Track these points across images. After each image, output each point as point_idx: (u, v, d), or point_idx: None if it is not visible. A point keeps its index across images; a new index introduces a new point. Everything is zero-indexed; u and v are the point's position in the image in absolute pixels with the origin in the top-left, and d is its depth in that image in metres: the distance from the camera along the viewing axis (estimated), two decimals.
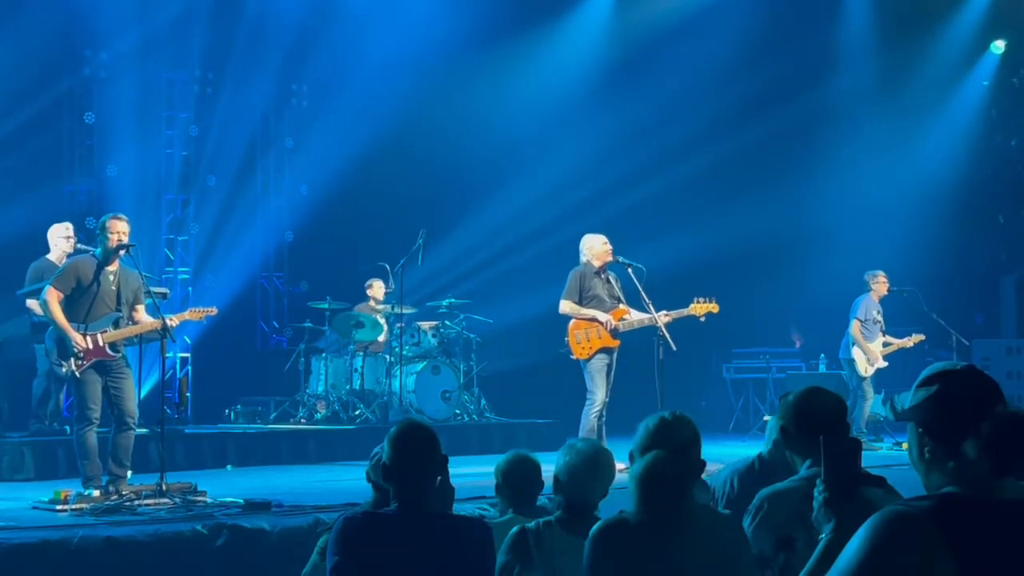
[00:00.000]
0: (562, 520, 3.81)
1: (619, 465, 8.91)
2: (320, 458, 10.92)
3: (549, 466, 4.10)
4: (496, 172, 14.47)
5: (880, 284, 11.87)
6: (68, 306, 7.52)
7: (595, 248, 9.43)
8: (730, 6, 14.61)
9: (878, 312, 11.82)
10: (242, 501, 7.19)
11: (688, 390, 13.71)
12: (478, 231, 14.36)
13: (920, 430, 2.30)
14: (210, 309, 8.25)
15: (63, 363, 7.55)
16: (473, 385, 12.65)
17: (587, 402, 9.23)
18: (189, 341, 13.14)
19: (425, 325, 12.50)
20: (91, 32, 12.52)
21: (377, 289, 12.58)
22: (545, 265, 12.35)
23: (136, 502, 7.06)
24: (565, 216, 13.41)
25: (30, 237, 10.27)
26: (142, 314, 7.83)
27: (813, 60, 15.33)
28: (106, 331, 7.54)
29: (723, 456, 7.74)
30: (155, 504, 7.06)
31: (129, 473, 7.59)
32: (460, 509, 5.13)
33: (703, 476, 3.84)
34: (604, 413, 9.22)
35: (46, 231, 9.89)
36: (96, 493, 7.24)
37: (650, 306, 9.17)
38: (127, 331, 7.64)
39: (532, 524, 3.81)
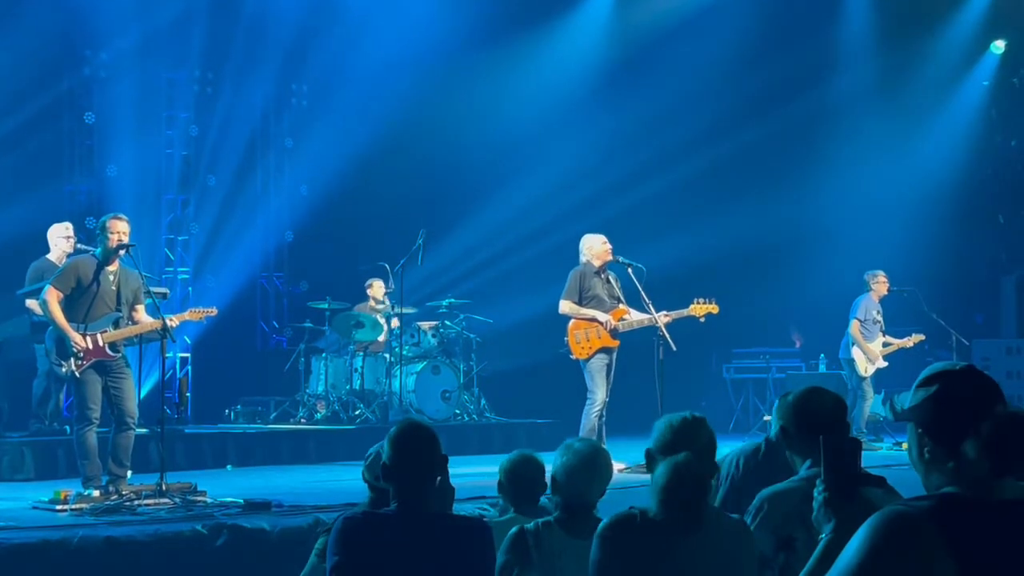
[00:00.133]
0: (561, 520, 3.80)
1: (619, 465, 8.87)
2: (320, 458, 10.92)
3: (549, 466, 4.10)
4: (496, 172, 14.47)
5: (880, 284, 11.87)
6: (68, 306, 7.52)
7: (595, 248, 9.43)
8: (730, 6, 14.61)
9: (878, 312, 11.82)
10: (242, 501, 7.18)
11: (688, 390, 13.70)
12: (478, 231, 14.36)
13: (920, 430, 2.30)
14: (210, 310, 8.25)
15: (63, 363, 7.55)
16: (473, 385, 12.66)
17: (587, 402, 9.24)
18: (189, 341, 13.14)
19: (425, 325, 12.50)
20: (91, 32, 12.52)
21: (377, 289, 12.58)
22: (545, 265, 12.35)
23: (136, 502, 7.06)
24: (565, 216, 13.40)
25: (30, 237, 10.27)
26: (142, 314, 7.83)
27: (813, 60, 15.33)
28: (106, 331, 7.54)
29: (723, 456, 7.72)
30: (155, 504, 7.06)
31: (129, 473, 7.59)
32: (460, 509, 5.13)
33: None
34: (604, 413, 9.23)
35: (46, 231, 9.89)
36: (96, 493, 7.25)
37: (650, 306, 9.18)
38: (127, 331, 7.64)
39: (531, 525, 3.81)
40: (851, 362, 11.76)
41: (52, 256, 9.65)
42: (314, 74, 14.56)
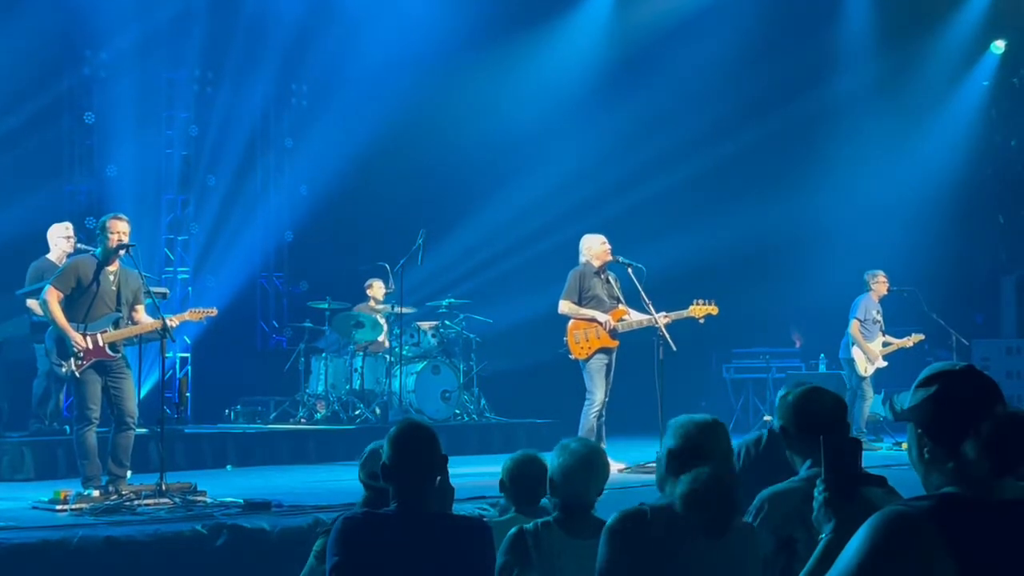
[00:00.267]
0: (560, 520, 3.80)
1: (619, 465, 8.85)
2: (320, 458, 10.92)
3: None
4: (496, 172, 14.47)
5: (880, 284, 11.87)
6: (68, 306, 7.52)
7: (594, 248, 9.44)
8: (730, 6, 14.61)
9: (878, 312, 11.82)
10: (242, 501, 7.18)
11: (688, 390, 13.70)
12: (478, 231, 14.36)
13: (919, 431, 2.29)
14: (210, 310, 8.25)
15: (63, 363, 7.55)
16: (473, 385, 12.66)
17: (586, 402, 9.23)
18: (189, 341, 13.14)
19: (425, 325, 12.50)
20: (91, 32, 12.52)
21: (377, 289, 12.58)
22: (545, 265, 12.34)
23: (136, 502, 7.06)
24: (565, 216, 13.40)
25: (30, 237, 10.26)
26: (142, 314, 7.83)
27: (813, 60, 15.33)
28: (106, 331, 7.54)
29: None
30: (155, 504, 7.06)
31: (129, 473, 7.60)
32: (460, 509, 5.13)
33: None
34: (604, 413, 9.23)
35: (46, 231, 9.88)
36: (96, 493, 7.25)
37: (650, 306, 9.17)
38: (127, 331, 7.64)
39: (530, 525, 3.80)
40: (851, 362, 11.76)
41: (52, 256, 9.65)
42: (314, 74, 14.56)
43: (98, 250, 7.67)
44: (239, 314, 13.63)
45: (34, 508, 7.20)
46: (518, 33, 14.40)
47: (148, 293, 7.83)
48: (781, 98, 14.97)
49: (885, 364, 11.80)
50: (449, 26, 13.83)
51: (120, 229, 7.58)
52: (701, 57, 14.53)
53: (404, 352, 11.99)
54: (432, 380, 12.06)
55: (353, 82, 14.05)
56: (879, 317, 11.81)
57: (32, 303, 9.32)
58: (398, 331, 12.08)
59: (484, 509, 6.61)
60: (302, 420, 11.99)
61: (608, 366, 9.29)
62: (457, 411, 12.24)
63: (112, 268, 7.64)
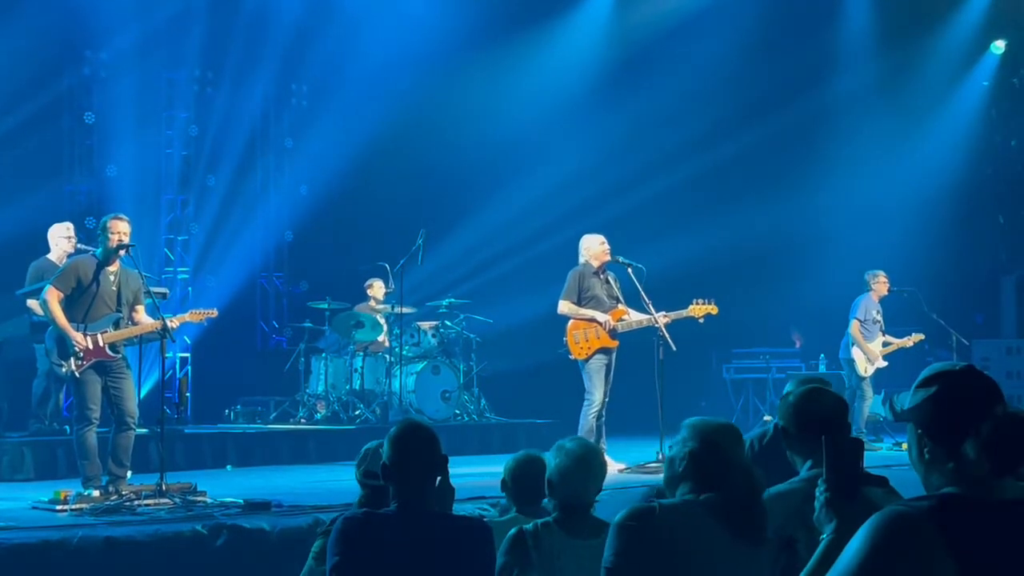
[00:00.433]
0: (559, 521, 3.80)
1: (619, 465, 8.84)
2: (320, 458, 10.92)
3: None
4: (496, 172, 14.48)
5: (880, 284, 11.87)
6: (68, 306, 7.52)
7: (593, 248, 9.43)
8: (730, 6, 14.61)
9: (878, 312, 11.82)
10: (242, 501, 7.18)
11: (688, 390, 13.70)
12: (478, 231, 14.36)
13: (919, 431, 2.29)
14: (210, 311, 8.24)
15: (63, 363, 7.56)
16: (473, 385, 12.66)
17: (585, 403, 9.22)
18: (189, 341, 13.14)
19: (425, 325, 12.50)
20: (91, 31, 12.51)
21: (377, 289, 12.58)
22: (545, 265, 12.34)
23: (136, 502, 7.06)
24: (565, 217, 13.39)
25: (30, 237, 10.27)
26: (142, 314, 7.83)
27: (813, 61, 15.33)
28: (106, 331, 7.54)
29: None
30: (155, 504, 7.06)
31: (129, 473, 7.59)
32: (460, 509, 5.13)
33: None
34: (603, 413, 9.22)
35: (46, 231, 9.89)
36: (96, 493, 7.24)
37: (650, 306, 9.17)
38: (127, 331, 7.64)
39: (530, 525, 3.80)
40: (851, 362, 11.76)
41: (52, 256, 9.66)
42: (314, 74, 14.56)
43: (98, 250, 7.68)
44: (239, 314, 13.62)
45: (34, 508, 7.20)
46: (518, 33, 14.41)
47: (148, 293, 7.82)
48: (781, 98, 14.97)
49: (885, 364, 11.80)
50: (449, 26, 13.83)
51: (120, 229, 7.58)
52: (701, 57, 14.53)
53: (404, 352, 11.99)
54: (432, 380, 12.06)
55: (353, 82, 14.05)
56: (879, 317, 11.81)
57: (32, 303, 9.32)
58: (398, 331, 12.09)
59: (484, 509, 6.61)
60: (302, 420, 11.99)
61: (608, 366, 9.28)
62: (457, 411, 12.24)
63: (112, 268, 7.64)
